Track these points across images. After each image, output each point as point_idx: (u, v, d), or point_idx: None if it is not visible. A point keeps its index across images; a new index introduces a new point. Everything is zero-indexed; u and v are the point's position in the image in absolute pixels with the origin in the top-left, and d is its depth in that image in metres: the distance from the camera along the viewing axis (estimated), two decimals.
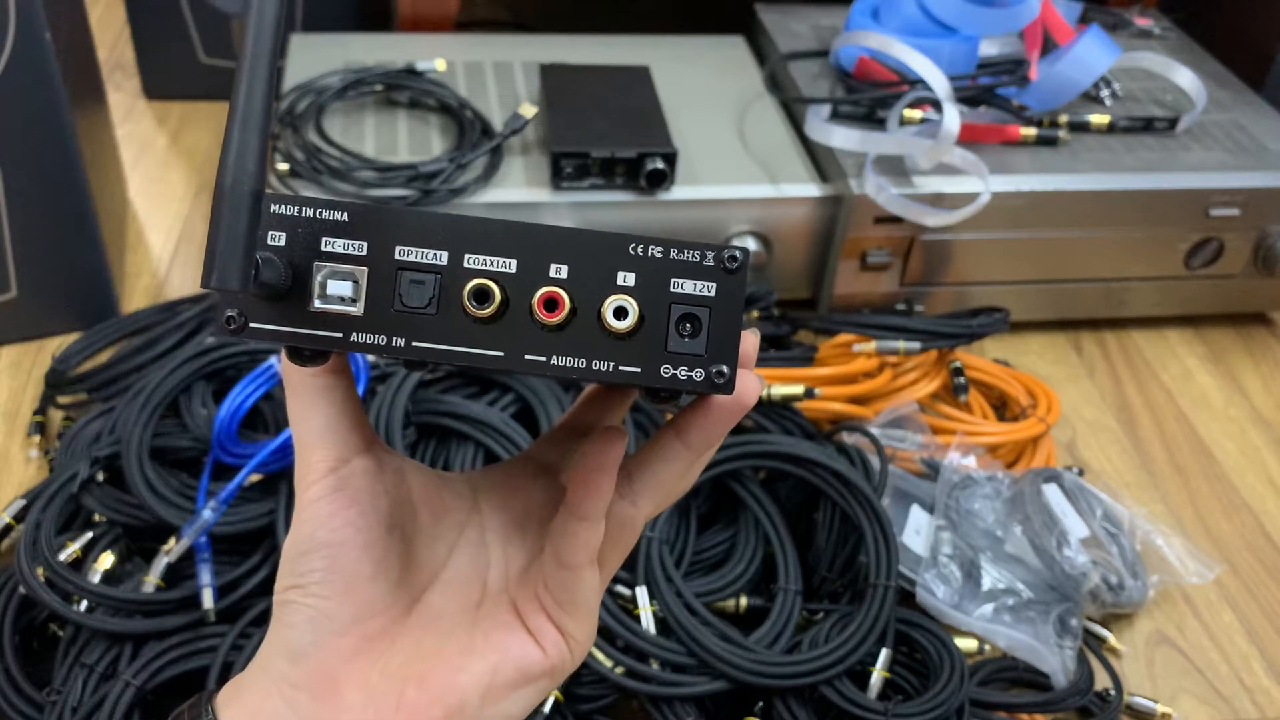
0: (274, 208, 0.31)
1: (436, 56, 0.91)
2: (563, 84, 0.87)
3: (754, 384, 0.33)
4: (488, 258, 0.31)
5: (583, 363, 0.31)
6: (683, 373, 0.31)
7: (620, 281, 0.31)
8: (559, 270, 0.31)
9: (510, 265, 0.31)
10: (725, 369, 0.31)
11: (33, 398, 0.77)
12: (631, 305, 0.31)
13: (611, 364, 0.31)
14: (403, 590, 0.37)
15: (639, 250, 0.31)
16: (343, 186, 0.78)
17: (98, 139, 0.84)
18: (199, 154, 1.04)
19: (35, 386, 0.78)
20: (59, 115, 0.73)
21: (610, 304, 0.31)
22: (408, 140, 0.84)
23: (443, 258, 0.31)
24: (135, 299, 0.87)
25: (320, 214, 0.31)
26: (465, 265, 0.31)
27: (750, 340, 0.34)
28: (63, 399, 0.76)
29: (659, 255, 0.31)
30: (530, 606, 0.37)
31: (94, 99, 0.87)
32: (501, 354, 0.31)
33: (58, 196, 0.76)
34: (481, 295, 0.30)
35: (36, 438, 0.74)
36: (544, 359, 0.31)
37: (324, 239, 0.31)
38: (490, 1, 1.24)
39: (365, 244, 0.31)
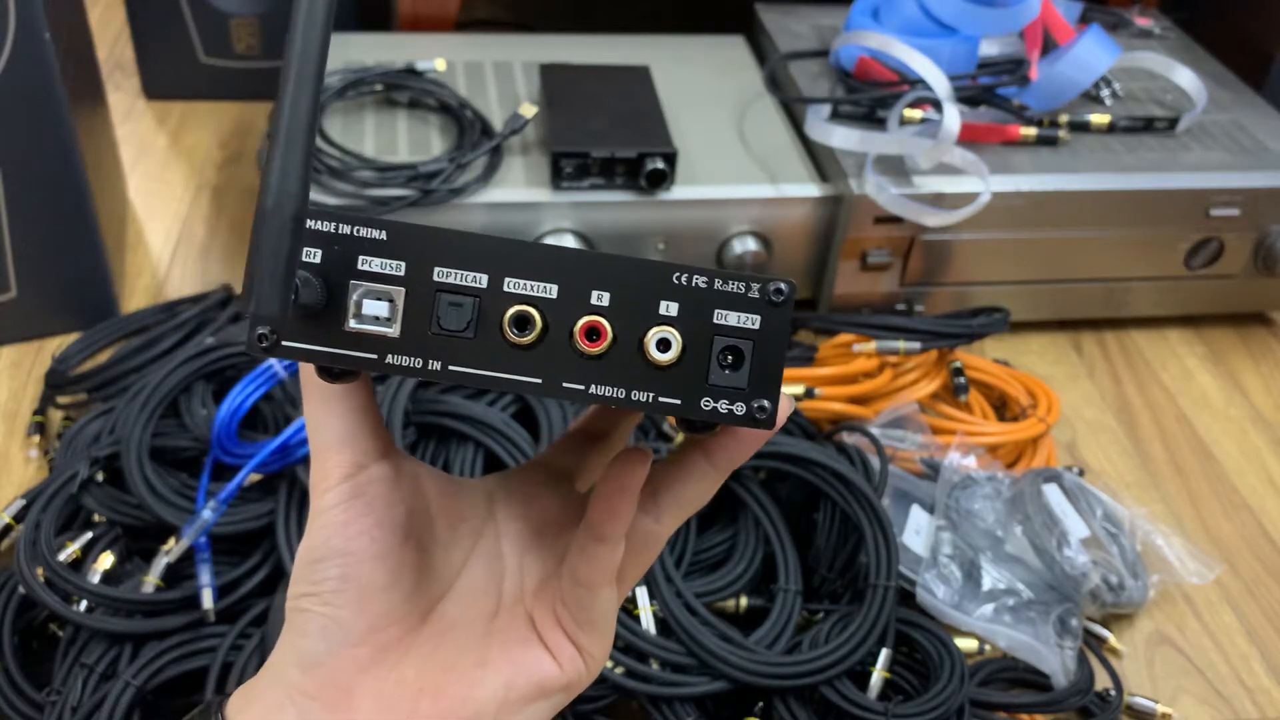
0: (310, 224, 0.30)
1: (436, 56, 0.91)
2: (563, 84, 0.87)
3: (786, 407, 0.33)
4: (528, 282, 0.30)
5: (622, 393, 0.30)
6: (723, 406, 0.30)
7: (663, 311, 0.30)
8: (600, 298, 0.30)
9: (551, 291, 0.30)
10: (767, 404, 0.30)
11: (33, 398, 0.77)
12: (675, 337, 0.30)
13: (651, 395, 0.30)
14: (417, 600, 0.36)
15: (683, 280, 0.30)
16: (342, 186, 0.78)
17: (98, 139, 0.84)
18: (199, 154, 1.04)
19: (35, 386, 0.78)
20: (59, 115, 0.73)
21: (653, 335, 0.30)
22: (407, 140, 0.84)
23: (482, 280, 0.30)
24: (135, 299, 0.87)
25: (358, 232, 0.30)
26: (505, 289, 0.30)
27: None
28: (63, 399, 0.76)
29: (703, 285, 0.30)
30: (547, 621, 0.37)
31: (94, 99, 0.86)
32: (539, 381, 0.30)
33: (58, 196, 0.76)
34: (522, 322, 0.30)
35: (36, 438, 0.73)
36: (582, 388, 0.30)
37: (361, 257, 0.30)
38: (490, 1, 1.24)
39: (403, 264, 0.30)
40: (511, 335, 0.30)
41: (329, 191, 0.78)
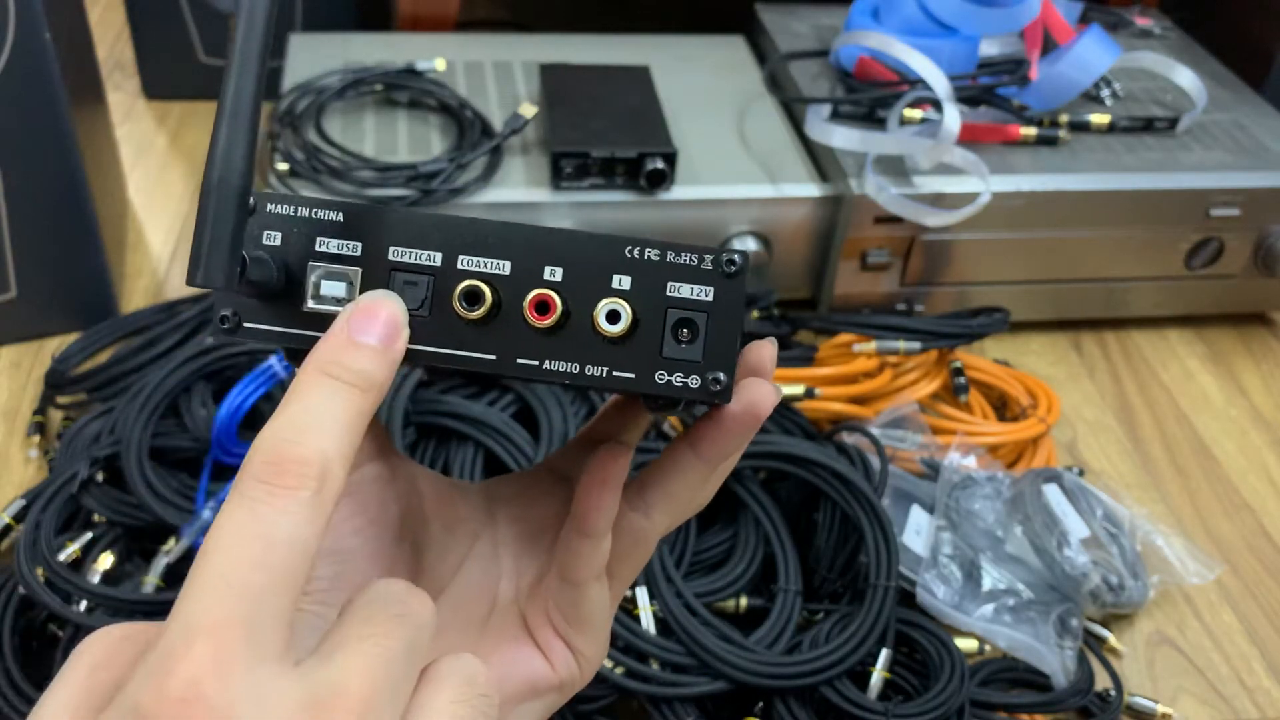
0: (269, 207, 0.30)
1: (436, 56, 0.91)
2: (563, 84, 0.87)
3: (768, 394, 0.32)
4: (481, 259, 0.30)
5: (575, 368, 0.30)
6: (678, 379, 0.30)
7: (615, 285, 0.30)
8: (553, 273, 0.30)
9: (504, 267, 0.30)
10: (722, 376, 0.30)
11: (32, 398, 0.77)
12: (624, 309, 0.30)
13: (605, 369, 0.30)
14: None
15: (635, 253, 0.30)
16: (342, 186, 0.78)
17: (98, 139, 0.84)
18: (199, 154, 1.04)
19: (35, 386, 0.78)
20: (59, 115, 0.73)
21: (603, 307, 0.30)
22: (407, 140, 0.84)
23: (436, 259, 0.30)
24: (135, 299, 0.87)
25: (315, 214, 0.30)
26: (459, 266, 0.30)
27: (768, 350, 0.33)
28: (63, 399, 0.76)
29: (655, 258, 0.30)
30: (539, 621, 0.37)
31: (94, 99, 0.86)
32: (493, 357, 0.30)
33: (58, 196, 0.76)
34: (472, 297, 0.30)
35: (36, 438, 0.73)
36: (536, 363, 0.30)
37: (318, 239, 0.30)
38: (490, 1, 1.24)
39: (359, 244, 0.30)
40: (462, 311, 0.30)
41: (329, 191, 0.78)
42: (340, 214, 0.30)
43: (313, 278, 0.30)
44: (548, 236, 0.30)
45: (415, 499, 0.38)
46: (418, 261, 0.30)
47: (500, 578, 0.38)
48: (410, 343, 0.30)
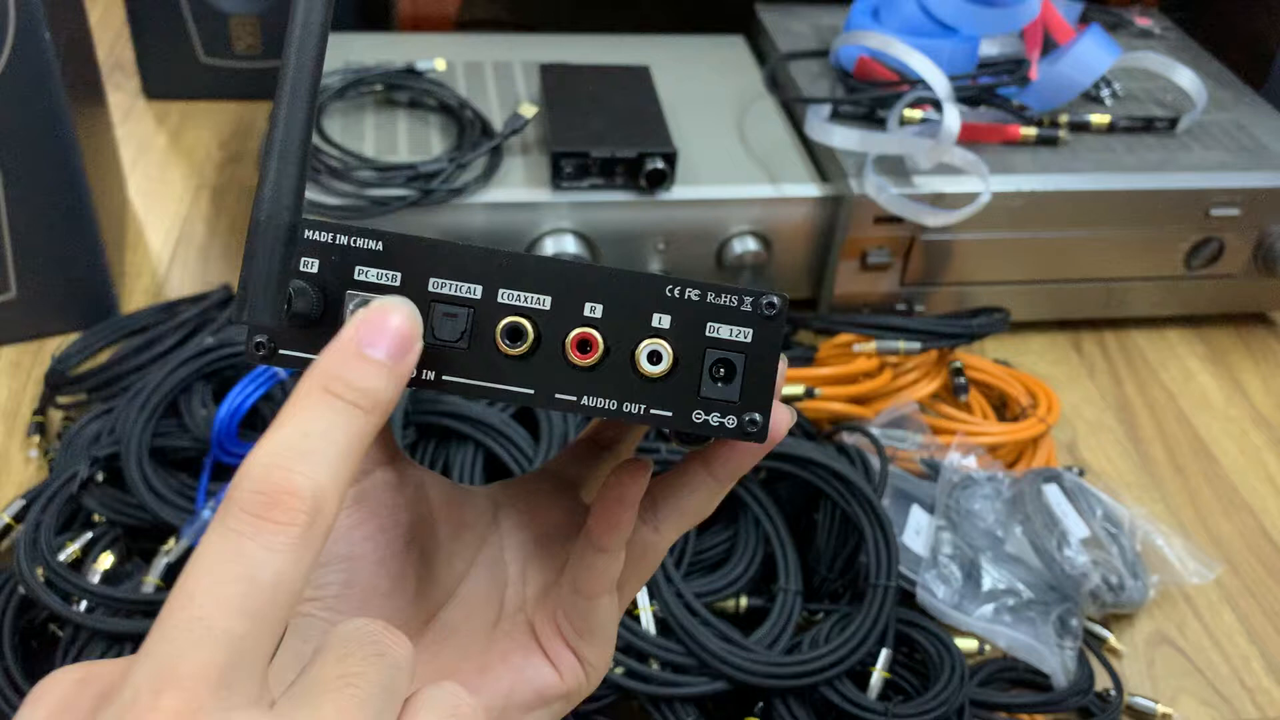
0: (308, 234, 0.30)
1: (436, 56, 0.91)
2: (563, 84, 0.87)
3: (785, 417, 0.33)
4: (522, 294, 0.30)
5: (614, 404, 0.31)
6: (715, 419, 0.31)
7: (655, 323, 0.31)
8: (593, 310, 0.31)
9: (544, 302, 0.31)
10: (759, 417, 0.31)
11: (33, 398, 0.77)
12: (666, 350, 0.30)
13: (643, 407, 0.31)
14: (419, 607, 0.36)
15: (675, 292, 0.31)
16: (342, 186, 0.78)
17: (98, 139, 0.84)
18: (199, 154, 1.04)
19: (35, 386, 0.78)
20: (59, 115, 0.73)
21: (645, 348, 0.30)
22: (407, 140, 0.84)
23: (476, 292, 0.30)
24: (135, 299, 0.87)
25: (355, 242, 0.30)
26: (499, 300, 0.30)
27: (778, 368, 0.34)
28: (62, 399, 0.76)
29: (695, 298, 0.31)
30: (547, 630, 0.37)
31: (94, 99, 0.86)
32: (532, 392, 0.31)
33: (58, 196, 0.76)
34: (515, 333, 0.30)
35: (36, 438, 0.73)
36: (575, 399, 0.31)
37: (358, 268, 0.30)
38: (490, 1, 1.24)
39: (399, 274, 0.30)
40: (504, 346, 0.30)
41: (329, 191, 0.78)
42: (380, 243, 0.30)
43: (350, 306, 0.30)
44: (588, 273, 0.31)
45: (424, 505, 0.38)
46: (458, 294, 0.30)
47: (507, 584, 0.38)
48: (448, 374, 0.30)
